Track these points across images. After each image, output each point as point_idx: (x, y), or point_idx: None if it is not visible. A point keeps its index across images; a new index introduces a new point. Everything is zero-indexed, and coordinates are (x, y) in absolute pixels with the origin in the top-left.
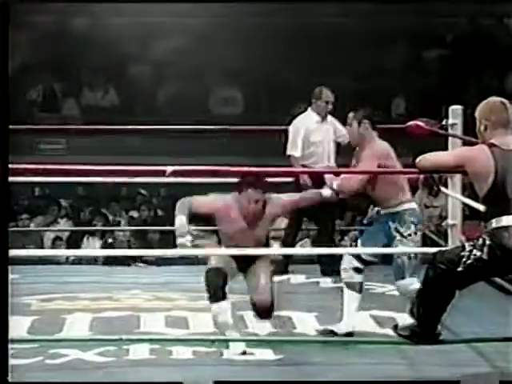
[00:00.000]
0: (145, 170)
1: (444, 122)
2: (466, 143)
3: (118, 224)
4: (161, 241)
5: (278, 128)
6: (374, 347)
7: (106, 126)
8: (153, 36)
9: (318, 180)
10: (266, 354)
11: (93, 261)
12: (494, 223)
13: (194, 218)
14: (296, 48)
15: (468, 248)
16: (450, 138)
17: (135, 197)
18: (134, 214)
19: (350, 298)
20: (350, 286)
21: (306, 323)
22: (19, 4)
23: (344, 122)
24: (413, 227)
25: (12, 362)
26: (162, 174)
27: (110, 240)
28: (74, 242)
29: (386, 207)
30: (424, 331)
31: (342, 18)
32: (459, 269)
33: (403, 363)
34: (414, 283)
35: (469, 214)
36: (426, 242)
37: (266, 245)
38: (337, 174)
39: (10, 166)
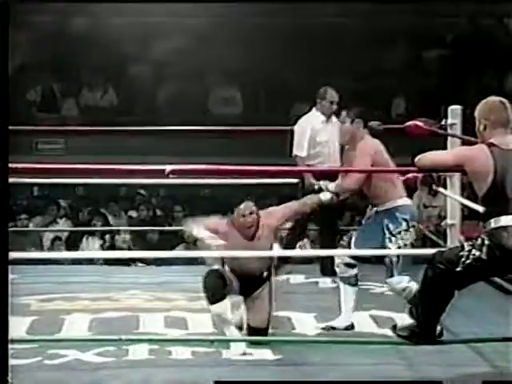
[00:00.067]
0: (144, 169)
1: (443, 122)
2: (465, 143)
3: (118, 232)
4: (160, 241)
5: (278, 128)
6: (373, 347)
7: (105, 126)
8: (153, 36)
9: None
10: (266, 354)
11: (92, 261)
12: (493, 223)
13: None
14: (296, 48)
15: (467, 248)
16: (449, 138)
17: (134, 197)
18: (133, 213)
19: (346, 292)
20: (345, 279)
21: (305, 323)
22: (19, 4)
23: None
24: (404, 224)
25: (11, 362)
26: (162, 172)
27: (108, 244)
28: (73, 242)
29: (381, 205)
30: (423, 331)
31: (342, 18)
32: (458, 269)
33: (402, 363)
34: (402, 281)
35: (468, 213)
36: (425, 241)
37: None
38: (336, 172)
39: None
